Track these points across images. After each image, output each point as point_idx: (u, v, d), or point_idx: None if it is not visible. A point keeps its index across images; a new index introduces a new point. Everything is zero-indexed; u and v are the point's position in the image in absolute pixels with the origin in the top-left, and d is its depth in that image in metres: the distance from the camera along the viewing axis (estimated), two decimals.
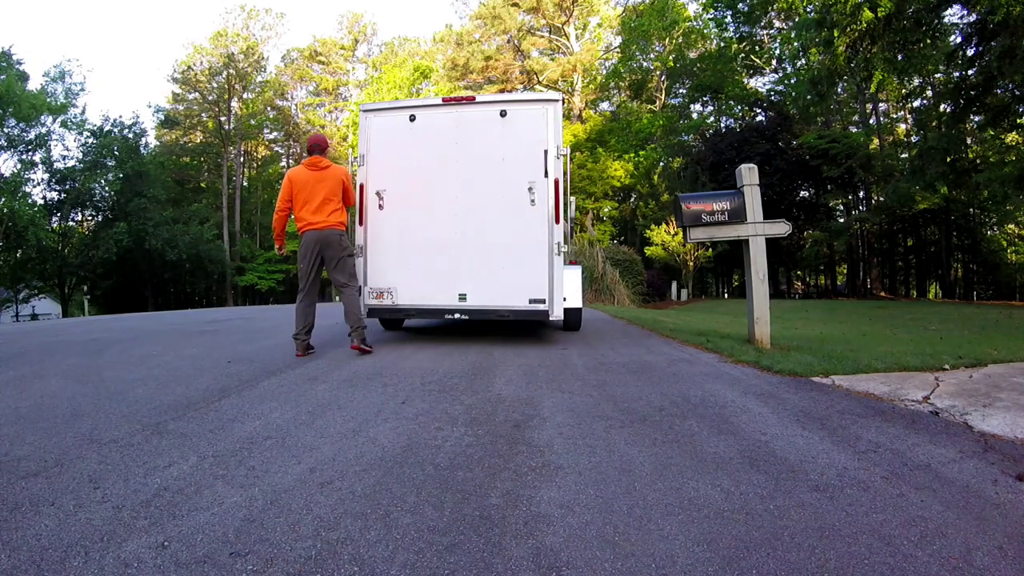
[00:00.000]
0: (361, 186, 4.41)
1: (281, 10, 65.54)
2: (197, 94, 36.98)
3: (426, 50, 41.52)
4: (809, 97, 15.64)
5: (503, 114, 4.35)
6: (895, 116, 28.28)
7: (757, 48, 28.39)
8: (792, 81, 26.20)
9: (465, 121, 4.37)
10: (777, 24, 26.74)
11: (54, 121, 25.76)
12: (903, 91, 21.72)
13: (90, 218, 29.65)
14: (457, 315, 4.32)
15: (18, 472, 1.66)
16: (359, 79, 41.58)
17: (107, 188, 27.41)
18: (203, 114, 37.54)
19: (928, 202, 21.77)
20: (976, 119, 16.64)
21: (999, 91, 13.94)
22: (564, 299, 4.34)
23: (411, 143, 4.44)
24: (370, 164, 4.45)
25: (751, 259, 4.20)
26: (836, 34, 12.43)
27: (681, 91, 33.04)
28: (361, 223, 4.42)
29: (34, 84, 25.85)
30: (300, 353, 3.86)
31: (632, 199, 35.39)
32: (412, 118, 4.44)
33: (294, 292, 4.30)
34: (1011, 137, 18.64)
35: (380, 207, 4.41)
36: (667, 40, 30.59)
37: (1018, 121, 15.71)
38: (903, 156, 24.28)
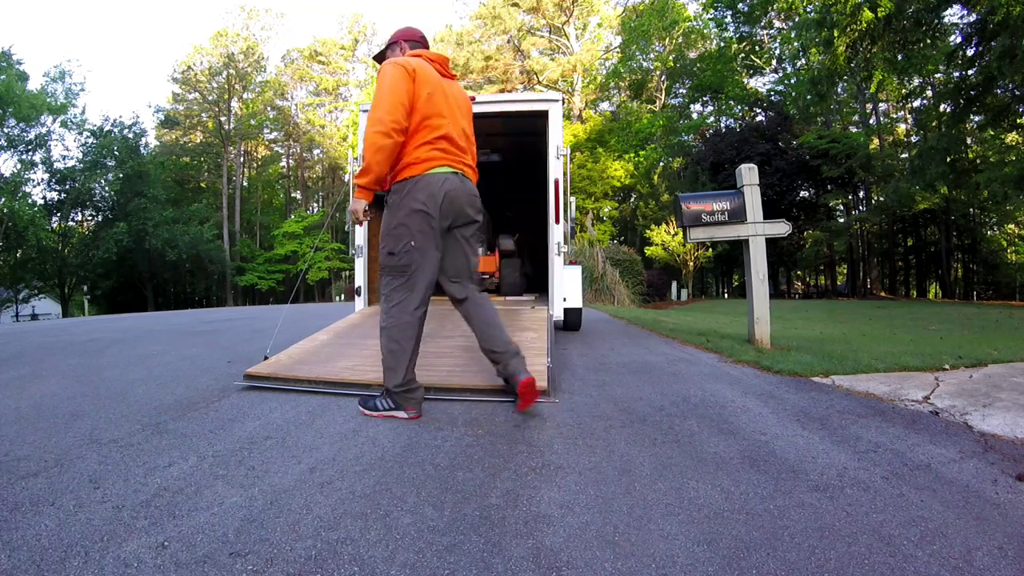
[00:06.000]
0: None
1: (281, 10, 65.63)
2: (197, 94, 37.02)
3: None
4: (809, 97, 15.65)
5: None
6: (895, 116, 28.26)
7: (757, 48, 28.38)
8: (792, 81, 26.18)
9: None
10: (777, 24, 26.71)
11: (54, 121, 25.79)
12: (903, 91, 21.71)
13: (90, 218, 29.68)
14: None
15: (18, 472, 1.66)
16: (359, 79, 41.61)
17: (107, 188, 27.45)
18: (203, 114, 37.59)
19: (928, 202, 21.78)
20: (976, 119, 16.65)
21: (999, 91, 13.95)
22: (564, 299, 4.34)
23: None
24: None
25: (751, 259, 4.20)
26: (836, 34, 12.42)
27: (681, 91, 33.07)
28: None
29: (34, 84, 25.86)
30: (412, 412, 2.20)
31: (632, 199, 35.39)
32: None
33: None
34: (1011, 137, 18.64)
35: None
36: (667, 40, 30.62)
37: (1018, 121, 15.72)
38: (903, 156, 24.27)
